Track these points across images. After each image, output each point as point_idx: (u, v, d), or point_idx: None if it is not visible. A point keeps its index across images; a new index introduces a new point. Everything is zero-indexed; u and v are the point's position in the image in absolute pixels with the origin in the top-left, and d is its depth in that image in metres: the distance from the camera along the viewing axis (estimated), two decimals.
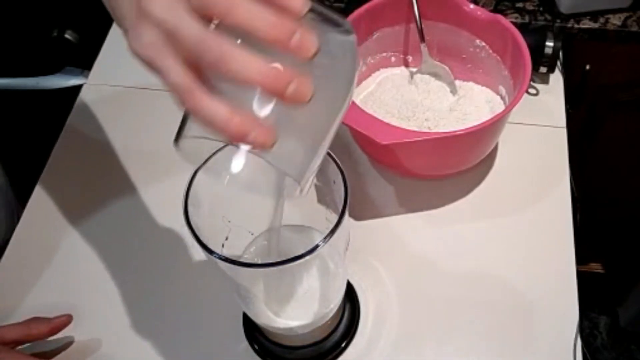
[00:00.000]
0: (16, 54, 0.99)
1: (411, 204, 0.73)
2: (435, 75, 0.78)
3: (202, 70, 0.34)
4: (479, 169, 0.75)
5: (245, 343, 0.64)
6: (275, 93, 0.32)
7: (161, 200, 0.74)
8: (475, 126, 0.63)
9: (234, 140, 0.34)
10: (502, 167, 0.76)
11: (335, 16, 0.38)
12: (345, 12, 0.79)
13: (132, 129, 0.81)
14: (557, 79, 0.83)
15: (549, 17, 0.88)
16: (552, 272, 0.68)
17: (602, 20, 0.87)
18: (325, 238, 0.45)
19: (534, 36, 0.78)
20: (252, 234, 0.59)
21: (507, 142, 0.77)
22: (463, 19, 0.73)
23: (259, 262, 0.57)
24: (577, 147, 0.83)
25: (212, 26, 0.34)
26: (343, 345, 0.64)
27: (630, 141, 1.10)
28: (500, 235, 0.71)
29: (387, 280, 0.68)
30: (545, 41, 0.78)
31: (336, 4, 0.89)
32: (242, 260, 0.57)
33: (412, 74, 0.79)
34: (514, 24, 0.69)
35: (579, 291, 0.66)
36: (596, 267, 1.53)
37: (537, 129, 0.79)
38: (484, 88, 0.77)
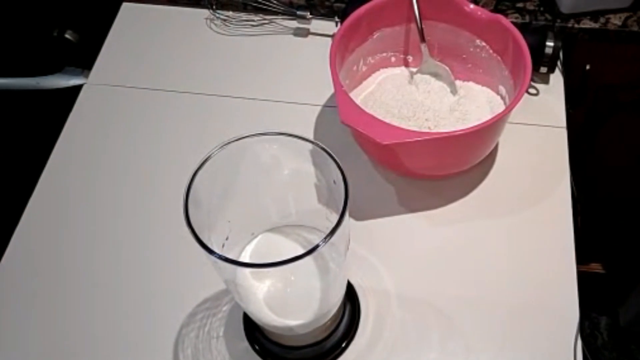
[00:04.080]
0: (16, 54, 0.99)
1: (411, 204, 0.73)
2: (436, 75, 0.78)
3: None
4: (479, 169, 0.75)
5: (245, 343, 0.64)
6: None
7: (161, 200, 0.74)
8: (476, 126, 0.63)
9: None
10: (503, 167, 0.76)
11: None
12: (346, 12, 0.79)
13: (132, 129, 0.81)
14: (557, 79, 0.83)
15: (549, 17, 0.88)
16: (553, 272, 0.68)
17: (602, 20, 0.87)
18: (325, 238, 0.45)
19: (534, 36, 0.78)
20: (253, 234, 0.59)
21: (507, 142, 0.77)
22: (463, 19, 0.73)
23: (259, 262, 0.57)
24: (577, 147, 0.83)
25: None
26: (343, 345, 0.64)
27: (631, 141, 1.10)
28: (501, 235, 0.71)
29: (387, 280, 0.68)
30: (545, 41, 0.78)
31: (336, 4, 0.90)
32: (242, 260, 0.57)
33: (412, 74, 0.79)
34: (515, 23, 0.69)
35: (579, 291, 0.66)
36: (596, 267, 1.52)
37: (537, 129, 0.79)
38: (484, 88, 0.77)
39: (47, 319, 0.67)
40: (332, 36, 0.88)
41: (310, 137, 0.55)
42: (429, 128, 0.73)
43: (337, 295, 0.59)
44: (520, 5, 0.89)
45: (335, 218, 0.46)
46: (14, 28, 0.97)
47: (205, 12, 0.92)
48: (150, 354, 0.64)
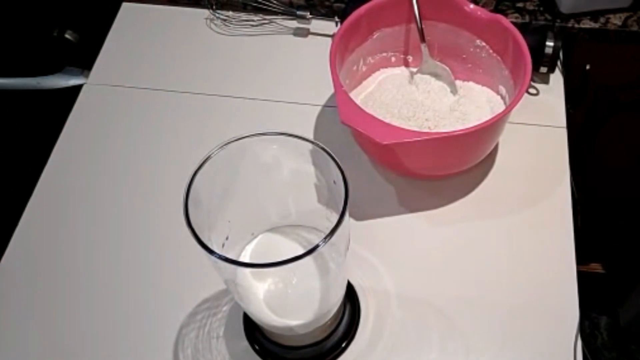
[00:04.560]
0: (16, 54, 0.98)
1: (411, 204, 0.73)
2: (436, 75, 0.78)
3: None
4: (479, 169, 0.75)
5: (245, 343, 0.64)
6: None
7: (161, 200, 0.74)
8: (476, 126, 0.63)
9: None
10: (502, 167, 0.76)
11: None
12: (346, 12, 0.79)
13: (132, 129, 0.81)
14: (557, 78, 0.83)
15: (549, 17, 0.88)
16: (552, 272, 0.68)
17: (602, 20, 0.87)
18: (325, 238, 0.45)
19: (534, 36, 0.78)
20: (253, 234, 0.59)
21: (507, 142, 0.77)
22: (463, 19, 0.73)
23: (259, 262, 0.57)
24: (577, 147, 0.83)
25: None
26: (343, 345, 0.64)
27: (631, 141, 1.10)
28: (501, 235, 0.71)
29: (387, 280, 0.68)
30: (545, 41, 0.78)
31: (336, 4, 0.90)
32: (242, 260, 0.57)
33: (412, 74, 0.79)
34: (515, 23, 0.69)
35: (579, 291, 0.66)
36: (596, 267, 1.52)
37: (537, 129, 0.79)
38: (484, 88, 0.77)
39: (47, 319, 0.67)
40: (332, 36, 0.88)
41: (310, 137, 0.55)
42: (429, 128, 0.73)
43: (337, 295, 0.59)
44: (520, 5, 0.89)
45: (335, 218, 0.46)
46: (14, 28, 0.97)
47: (205, 12, 0.92)
48: (150, 354, 0.64)
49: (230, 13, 0.92)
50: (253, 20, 0.91)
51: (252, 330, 0.65)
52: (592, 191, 0.99)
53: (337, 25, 0.88)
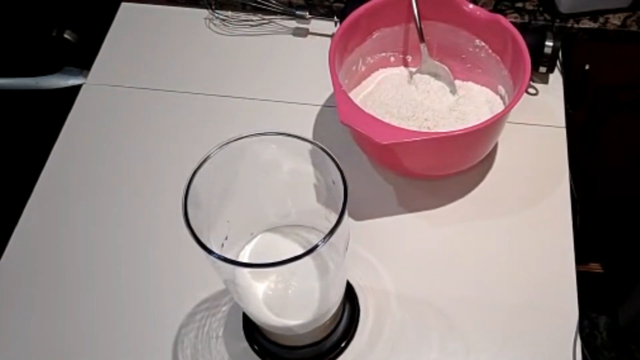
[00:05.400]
0: (15, 54, 0.98)
1: (411, 204, 0.73)
2: (435, 75, 0.78)
3: None
4: (478, 169, 0.75)
5: (244, 343, 0.64)
6: None
7: (161, 200, 0.74)
8: (475, 126, 0.63)
9: None
10: (502, 167, 0.76)
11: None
12: (345, 12, 0.79)
13: (131, 129, 0.81)
14: (556, 78, 0.83)
15: (548, 17, 0.88)
16: (552, 272, 0.68)
17: (601, 20, 0.87)
18: (324, 238, 0.45)
19: (533, 36, 0.78)
20: (252, 234, 0.59)
21: (506, 142, 0.77)
22: (463, 19, 0.73)
23: (258, 262, 0.57)
24: (577, 147, 0.83)
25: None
26: (342, 345, 0.64)
27: (631, 141, 1.10)
28: (500, 235, 0.71)
29: (387, 280, 0.68)
30: (544, 41, 0.78)
31: (336, 4, 0.90)
32: (241, 260, 0.57)
33: (411, 74, 0.79)
34: (514, 23, 0.69)
35: (578, 291, 0.66)
36: (596, 267, 1.52)
37: (537, 129, 0.79)
38: (483, 88, 0.77)
39: (47, 319, 0.67)
40: (331, 36, 0.88)
41: (310, 137, 0.55)
42: (428, 128, 0.73)
43: (337, 295, 0.59)
44: (519, 5, 0.89)
45: (334, 218, 0.46)
46: (13, 28, 0.97)
47: (204, 12, 0.92)
48: (150, 354, 0.64)
49: (229, 13, 0.92)
50: (252, 20, 0.91)
51: (252, 330, 0.65)
52: (592, 191, 0.99)
53: (336, 25, 0.88)
